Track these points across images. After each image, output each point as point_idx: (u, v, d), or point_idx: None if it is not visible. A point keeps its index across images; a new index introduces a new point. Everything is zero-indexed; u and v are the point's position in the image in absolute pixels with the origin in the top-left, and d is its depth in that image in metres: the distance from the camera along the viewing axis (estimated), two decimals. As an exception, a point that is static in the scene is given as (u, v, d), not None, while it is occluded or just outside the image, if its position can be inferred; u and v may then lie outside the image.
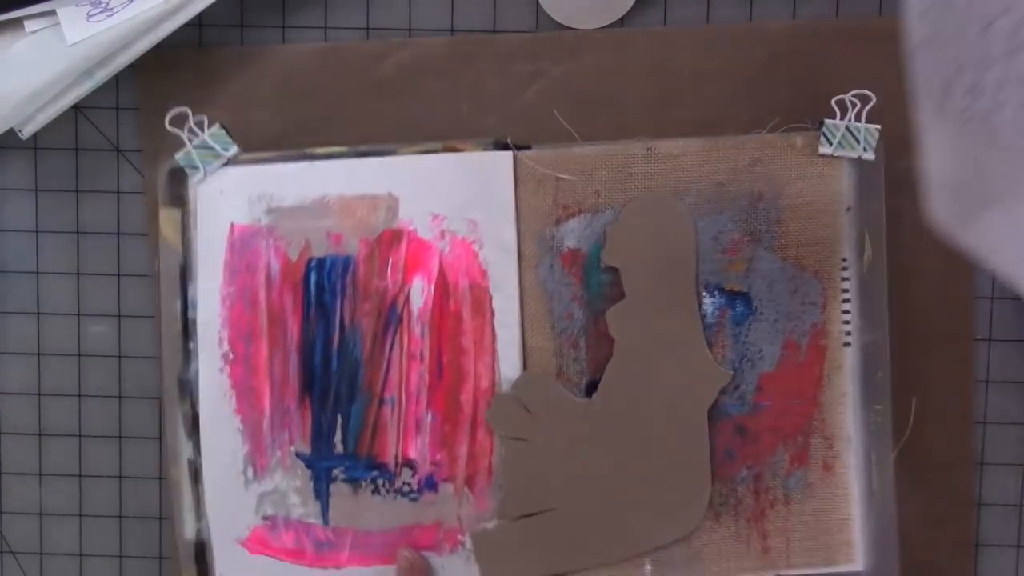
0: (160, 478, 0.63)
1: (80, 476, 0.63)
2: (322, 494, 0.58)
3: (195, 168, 0.57)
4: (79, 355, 0.63)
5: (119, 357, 0.63)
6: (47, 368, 0.63)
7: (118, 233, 0.62)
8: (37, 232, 0.62)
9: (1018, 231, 0.41)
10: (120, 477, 0.63)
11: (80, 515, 0.64)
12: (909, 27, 0.42)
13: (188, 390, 0.58)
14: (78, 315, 0.62)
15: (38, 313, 0.63)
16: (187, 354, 0.58)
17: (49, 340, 0.63)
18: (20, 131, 0.57)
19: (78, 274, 0.62)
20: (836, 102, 0.56)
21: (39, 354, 0.63)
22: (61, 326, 0.62)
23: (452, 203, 0.57)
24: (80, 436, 0.63)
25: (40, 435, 0.63)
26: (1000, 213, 0.42)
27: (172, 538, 0.61)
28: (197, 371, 0.58)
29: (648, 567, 0.58)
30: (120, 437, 0.63)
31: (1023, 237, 0.41)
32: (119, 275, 0.62)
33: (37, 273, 0.62)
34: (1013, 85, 0.40)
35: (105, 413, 0.63)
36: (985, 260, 0.42)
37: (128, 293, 0.62)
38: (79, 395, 0.63)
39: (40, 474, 0.64)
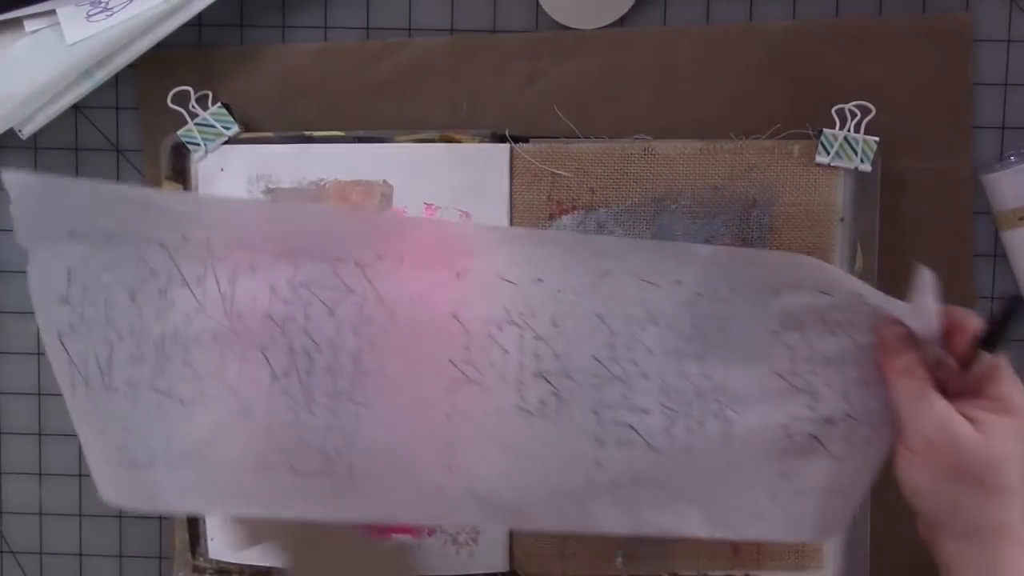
0: (160, 478, 0.63)
1: (80, 476, 0.63)
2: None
3: (196, 145, 0.58)
4: (79, 355, 0.63)
5: (119, 357, 0.63)
6: (47, 368, 0.63)
7: (118, 233, 0.62)
8: (37, 232, 0.62)
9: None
10: (120, 477, 0.63)
11: (80, 515, 0.64)
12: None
13: None
14: (78, 315, 0.62)
15: (38, 313, 0.63)
16: None
17: (49, 340, 0.63)
18: (20, 131, 0.57)
19: (78, 274, 0.62)
20: (836, 111, 0.56)
21: (39, 354, 0.63)
22: (61, 326, 0.63)
23: (446, 193, 0.57)
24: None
25: (40, 435, 0.63)
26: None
27: (171, 532, 0.61)
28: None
29: (619, 560, 0.59)
30: (120, 437, 0.63)
31: None
32: (119, 275, 0.62)
33: (37, 273, 0.62)
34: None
35: (105, 413, 0.63)
36: None
37: (128, 293, 0.62)
38: (79, 395, 0.63)
39: (40, 474, 0.64)
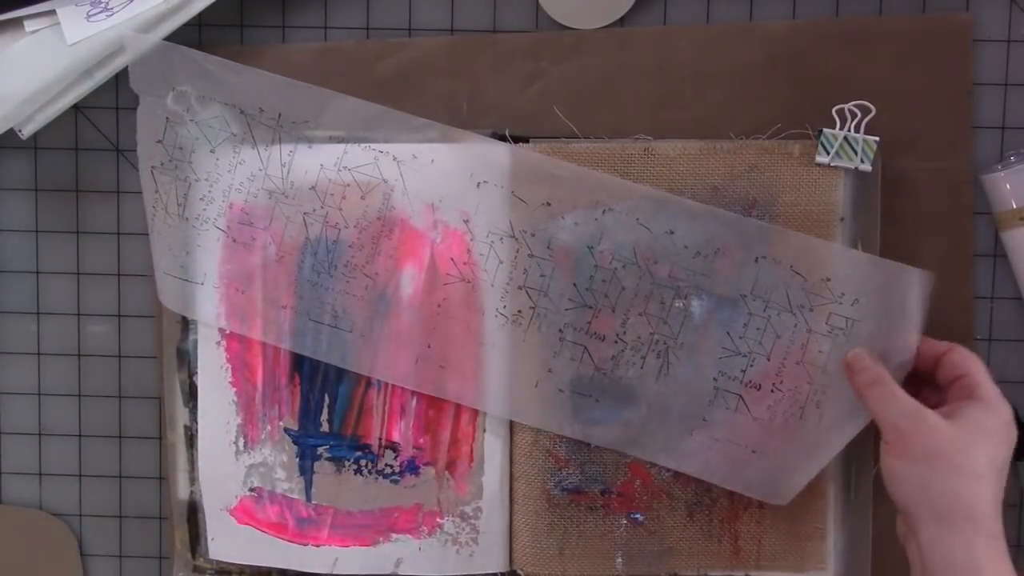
0: (160, 478, 0.63)
1: (80, 476, 0.63)
2: (306, 471, 0.59)
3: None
4: (79, 355, 0.63)
5: (119, 357, 0.63)
6: (47, 368, 0.63)
7: (118, 233, 0.62)
8: (37, 232, 0.62)
9: None
10: (120, 477, 0.63)
11: (80, 515, 0.64)
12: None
13: (186, 360, 0.60)
14: (78, 315, 0.62)
15: (38, 313, 0.63)
16: (186, 325, 0.59)
17: (49, 340, 0.63)
18: (20, 131, 0.57)
19: (78, 274, 0.62)
20: (836, 111, 0.56)
21: (39, 354, 0.63)
22: (61, 326, 0.63)
23: (446, 193, 0.57)
24: (80, 436, 0.63)
25: (40, 435, 0.63)
26: None
27: (171, 532, 0.61)
28: (195, 342, 0.59)
29: (619, 560, 0.59)
30: (120, 437, 0.63)
31: None
32: (119, 275, 0.62)
33: (37, 273, 0.62)
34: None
35: (105, 413, 0.63)
36: None
37: (128, 293, 0.62)
38: (79, 395, 0.63)
39: (40, 474, 0.64)
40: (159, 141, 0.58)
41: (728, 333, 0.56)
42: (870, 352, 0.53)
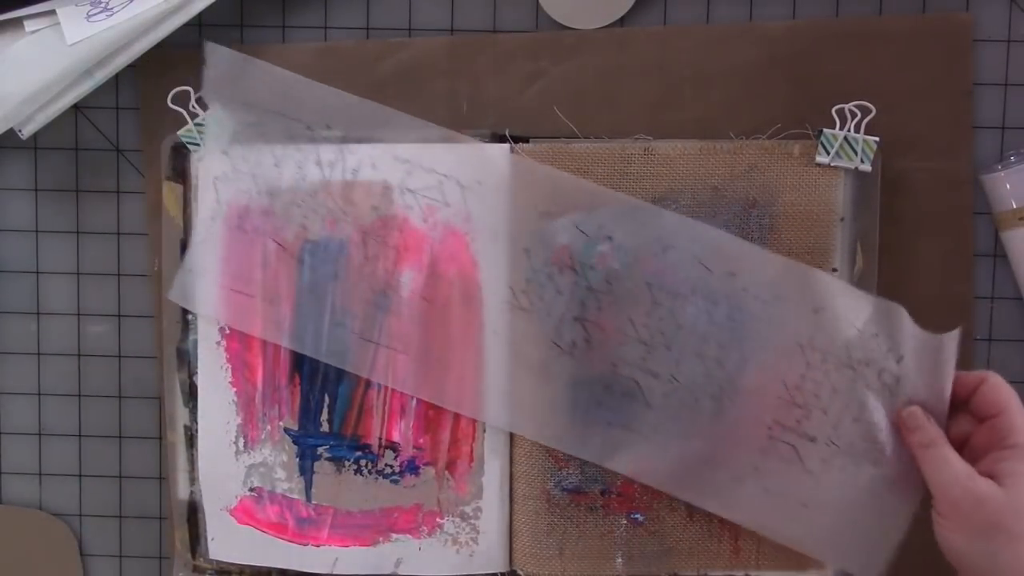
0: (161, 478, 0.63)
1: (80, 476, 0.63)
2: (306, 471, 0.59)
3: (196, 145, 0.58)
4: (79, 355, 0.63)
5: (119, 357, 0.63)
6: (47, 368, 0.63)
7: (118, 233, 0.62)
8: (37, 232, 0.62)
9: None
10: (120, 477, 0.63)
11: (80, 515, 0.64)
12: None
13: (186, 359, 0.60)
14: (78, 315, 0.62)
15: (38, 313, 0.63)
16: (185, 325, 0.59)
17: (49, 340, 0.63)
18: (20, 131, 0.57)
19: (78, 274, 0.62)
20: (836, 111, 0.56)
21: (39, 354, 0.63)
22: (61, 326, 0.63)
23: (446, 193, 0.57)
24: (80, 436, 0.63)
25: (40, 435, 0.63)
26: None
27: (171, 532, 0.61)
28: (195, 342, 0.59)
29: (619, 560, 0.59)
30: (120, 437, 0.63)
31: None
32: (119, 275, 0.62)
33: (37, 273, 0.62)
34: None
35: (105, 413, 0.63)
36: None
37: (128, 293, 0.62)
38: (79, 395, 0.63)
39: (40, 474, 0.64)
40: (224, 152, 0.57)
41: (784, 383, 0.55)
42: (925, 412, 0.53)
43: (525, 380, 0.57)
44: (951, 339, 0.53)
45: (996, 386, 0.51)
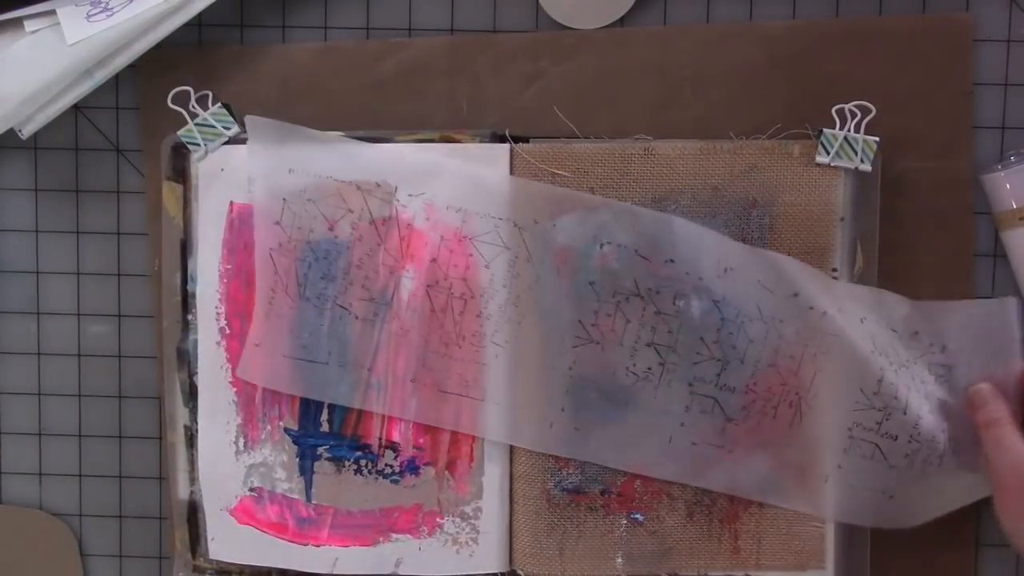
0: (161, 478, 0.63)
1: (80, 476, 0.63)
2: (306, 471, 0.59)
3: (197, 145, 0.58)
4: (79, 355, 0.63)
5: (119, 357, 0.63)
6: (47, 368, 0.63)
7: (118, 233, 0.62)
8: (37, 232, 0.62)
9: None
10: (120, 477, 0.63)
11: (80, 515, 0.64)
12: None
13: (186, 359, 0.60)
14: (78, 315, 0.62)
15: (38, 313, 0.63)
16: (186, 325, 0.59)
17: (49, 340, 0.63)
18: (20, 131, 0.57)
19: (78, 274, 0.62)
20: (836, 111, 0.56)
21: (39, 354, 0.63)
22: (61, 326, 0.63)
23: (446, 193, 0.57)
24: (80, 436, 0.63)
25: (40, 435, 0.63)
26: None
27: (171, 532, 0.61)
28: (195, 342, 0.59)
29: (619, 560, 0.59)
30: (120, 437, 0.63)
31: None
32: (119, 275, 0.62)
33: (37, 273, 0.62)
34: None
35: (105, 413, 0.63)
36: None
37: (128, 293, 0.62)
38: (79, 395, 0.63)
39: (40, 474, 0.64)
40: (277, 223, 0.57)
41: (862, 389, 0.56)
42: (992, 388, 0.54)
43: (605, 409, 0.57)
44: (1008, 304, 0.55)
45: None
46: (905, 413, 0.55)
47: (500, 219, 0.57)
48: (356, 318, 0.57)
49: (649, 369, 0.57)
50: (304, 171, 0.57)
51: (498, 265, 0.57)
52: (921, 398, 0.56)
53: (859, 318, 0.56)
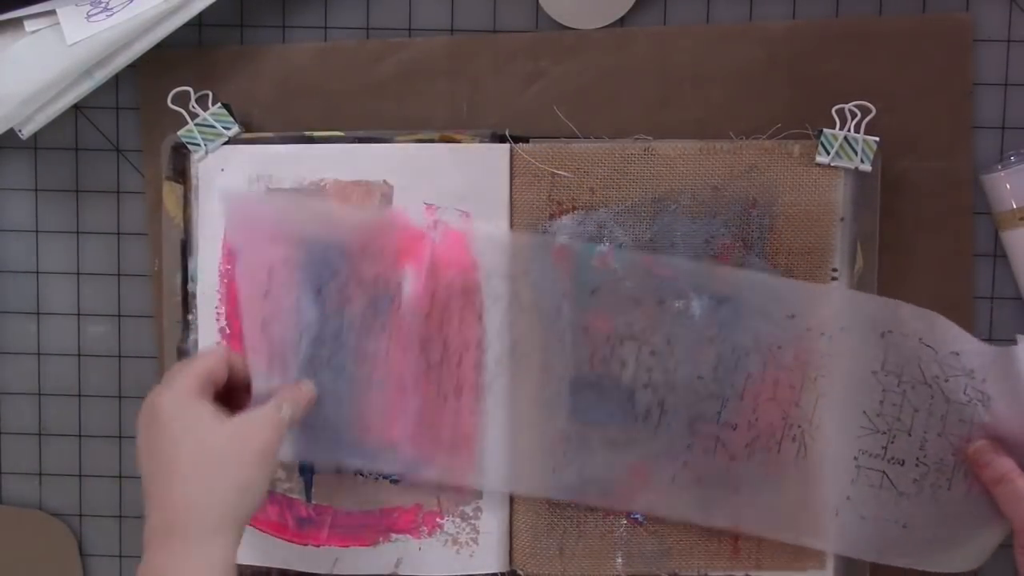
0: (160, 478, 0.63)
1: (80, 476, 0.63)
2: (307, 471, 0.59)
3: (197, 145, 0.58)
4: (79, 355, 0.63)
5: (119, 357, 0.63)
6: (47, 368, 0.63)
7: (118, 233, 0.62)
8: (37, 232, 0.62)
9: None
10: (120, 477, 0.63)
11: (80, 515, 0.64)
12: None
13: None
14: (78, 315, 0.62)
15: (38, 313, 0.63)
16: (186, 325, 0.59)
17: (49, 340, 0.63)
18: (20, 131, 0.57)
19: (78, 274, 0.62)
20: (836, 111, 0.56)
21: (39, 354, 0.63)
22: (61, 326, 0.63)
23: (446, 193, 0.57)
24: (80, 436, 0.63)
25: (40, 435, 0.63)
26: None
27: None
28: (195, 342, 0.59)
29: (619, 560, 0.59)
30: (120, 437, 0.63)
31: None
32: (119, 275, 0.62)
33: (37, 273, 0.62)
34: None
35: (105, 413, 0.63)
36: None
37: (128, 293, 0.62)
38: (79, 395, 0.63)
39: (40, 474, 0.64)
40: (266, 295, 0.56)
41: (864, 412, 0.55)
42: (992, 445, 0.53)
43: (607, 455, 0.57)
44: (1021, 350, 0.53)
45: None
46: (910, 435, 0.55)
47: (496, 276, 0.57)
48: (350, 379, 0.56)
49: (648, 410, 0.57)
50: (287, 238, 0.56)
51: (492, 317, 0.57)
52: (931, 418, 0.55)
53: (879, 332, 0.55)
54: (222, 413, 0.49)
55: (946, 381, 0.54)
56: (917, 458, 0.55)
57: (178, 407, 0.48)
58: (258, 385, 0.54)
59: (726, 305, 0.55)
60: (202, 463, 0.47)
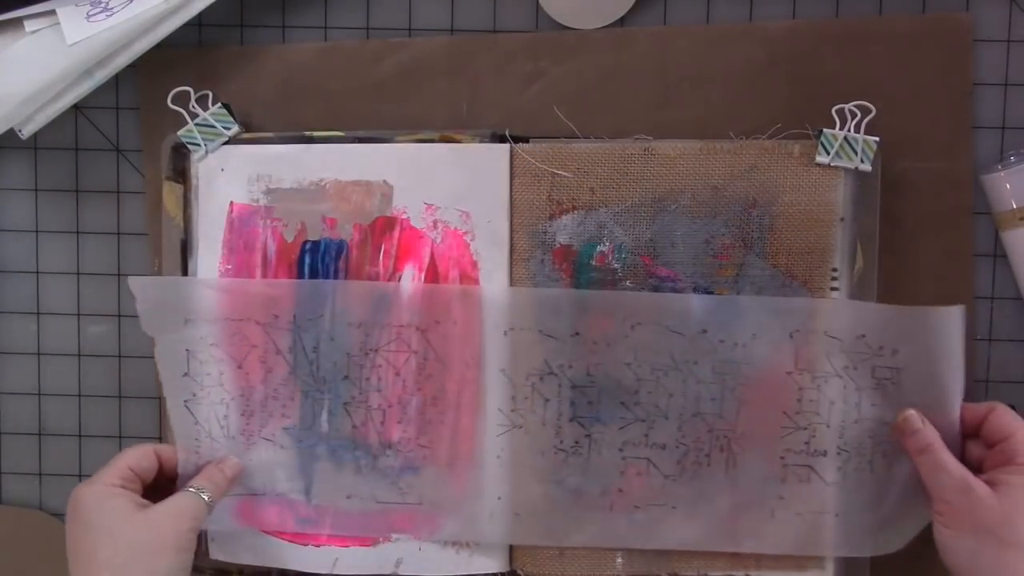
0: (160, 478, 0.63)
1: (80, 476, 0.63)
2: (306, 471, 0.59)
3: (197, 145, 0.58)
4: (79, 355, 0.63)
5: (119, 357, 0.63)
6: (47, 368, 0.63)
7: (118, 233, 0.62)
8: (37, 232, 0.62)
9: None
10: (120, 477, 0.63)
11: (80, 515, 0.64)
12: None
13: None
14: (78, 315, 0.62)
15: (38, 313, 0.63)
16: (186, 325, 0.59)
17: (49, 340, 0.63)
18: (20, 131, 0.57)
19: (78, 274, 0.62)
20: (836, 111, 0.56)
21: (39, 354, 0.63)
22: (61, 326, 0.63)
23: (446, 193, 0.57)
24: (80, 436, 0.63)
25: (40, 435, 0.63)
26: None
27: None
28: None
29: (619, 560, 0.59)
30: (120, 437, 0.63)
31: None
32: (119, 275, 0.62)
33: (37, 273, 0.62)
34: None
35: (105, 413, 0.63)
36: None
37: (128, 293, 0.62)
38: (79, 395, 0.63)
39: (40, 474, 0.64)
40: (185, 375, 0.58)
41: (784, 412, 0.56)
42: (920, 415, 0.54)
43: (539, 490, 0.58)
44: (951, 313, 0.54)
45: (1003, 414, 0.53)
46: (828, 426, 0.56)
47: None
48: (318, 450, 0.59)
49: (577, 443, 0.57)
50: (201, 318, 0.57)
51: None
52: (846, 408, 0.56)
53: (788, 332, 0.55)
54: (142, 504, 0.51)
55: (855, 369, 0.55)
56: (838, 447, 0.56)
57: (97, 500, 0.51)
58: (185, 467, 0.58)
59: (639, 330, 0.56)
60: (117, 555, 0.50)
